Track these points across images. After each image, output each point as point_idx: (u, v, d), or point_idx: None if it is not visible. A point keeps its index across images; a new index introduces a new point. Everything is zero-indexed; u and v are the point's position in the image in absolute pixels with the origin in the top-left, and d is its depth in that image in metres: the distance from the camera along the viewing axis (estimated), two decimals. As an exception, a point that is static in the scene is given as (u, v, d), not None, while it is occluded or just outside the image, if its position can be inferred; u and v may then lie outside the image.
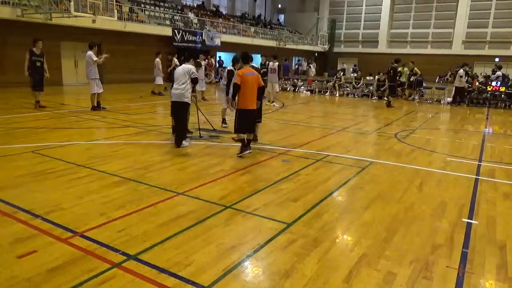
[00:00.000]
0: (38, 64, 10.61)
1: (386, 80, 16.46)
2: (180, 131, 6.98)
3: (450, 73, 17.80)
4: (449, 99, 17.17)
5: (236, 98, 6.46)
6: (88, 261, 3.05)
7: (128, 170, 5.47)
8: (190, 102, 6.97)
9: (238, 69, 7.06)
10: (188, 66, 6.93)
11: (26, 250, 3.18)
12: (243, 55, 6.70)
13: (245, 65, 6.63)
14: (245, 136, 6.56)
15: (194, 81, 6.94)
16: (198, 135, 7.88)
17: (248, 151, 6.54)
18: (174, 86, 6.85)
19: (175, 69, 9.10)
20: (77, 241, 3.38)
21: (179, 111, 6.88)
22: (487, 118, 12.93)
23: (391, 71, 15.64)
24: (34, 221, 3.74)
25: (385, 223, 4.03)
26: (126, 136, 7.85)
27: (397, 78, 15.88)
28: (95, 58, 10.61)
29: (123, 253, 3.18)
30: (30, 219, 3.78)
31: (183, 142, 6.89)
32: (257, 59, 32.29)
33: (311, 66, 28.82)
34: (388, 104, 15.14)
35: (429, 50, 34.23)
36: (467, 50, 32.54)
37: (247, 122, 6.54)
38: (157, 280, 2.83)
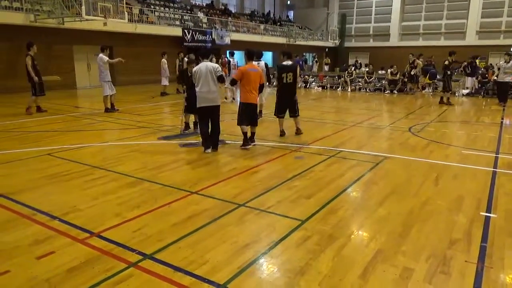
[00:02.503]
0: (37, 67, 10.50)
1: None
2: (218, 134, 6.72)
3: (464, 64, 17.38)
4: (464, 91, 16.86)
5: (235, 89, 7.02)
6: (105, 261, 3.09)
7: (142, 171, 5.53)
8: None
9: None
10: (212, 64, 6.54)
11: (44, 251, 3.24)
12: (247, 52, 6.99)
13: (249, 61, 6.93)
14: (247, 129, 6.91)
15: (221, 79, 6.52)
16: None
17: (250, 145, 6.92)
18: (202, 89, 6.39)
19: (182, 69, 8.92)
20: (94, 241, 3.43)
21: (215, 114, 6.59)
22: (503, 109, 12.65)
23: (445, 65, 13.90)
24: (52, 222, 3.81)
25: (401, 218, 3.98)
26: (139, 136, 7.92)
27: (448, 71, 13.81)
28: (106, 59, 10.68)
29: (139, 253, 3.22)
30: (48, 220, 3.85)
31: (206, 150, 6.60)
32: (267, 56, 32.24)
33: (315, 62, 28.59)
34: (446, 102, 13.74)
35: (442, 42, 33.60)
36: (481, 40, 31.86)
37: (249, 115, 6.88)
38: (173, 279, 2.85)
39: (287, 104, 7.88)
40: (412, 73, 17.43)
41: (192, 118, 8.23)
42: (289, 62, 7.83)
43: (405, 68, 18.79)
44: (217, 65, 6.64)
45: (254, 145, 7.02)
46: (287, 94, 7.82)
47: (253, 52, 7.08)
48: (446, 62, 13.70)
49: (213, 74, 6.40)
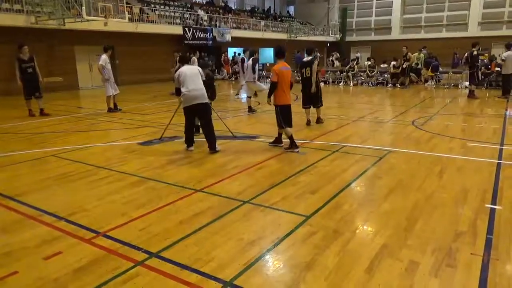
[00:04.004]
0: (30, 70, 10.12)
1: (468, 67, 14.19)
2: (212, 134, 6.47)
3: (466, 56, 17.19)
4: (467, 83, 16.75)
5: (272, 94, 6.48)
6: (111, 260, 3.11)
7: (146, 170, 5.55)
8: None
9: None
10: (197, 67, 6.54)
11: (52, 252, 3.26)
12: (278, 50, 6.59)
13: (280, 59, 6.51)
14: (289, 130, 6.53)
15: (210, 91, 6.46)
16: (231, 135, 7.49)
17: (299, 148, 6.51)
18: (189, 88, 6.21)
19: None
20: (100, 241, 3.45)
21: (205, 112, 6.42)
22: (507, 100, 12.57)
23: (469, 57, 13.53)
24: (58, 223, 3.83)
25: (406, 212, 3.98)
26: (142, 136, 7.94)
27: (477, 63, 13.53)
28: (100, 61, 10.61)
29: (145, 251, 3.24)
30: (54, 221, 3.88)
31: (189, 147, 6.60)
32: (269, 52, 32.16)
33: (332, 56, 28.40)
34: (471, 94, 13.36)
35: (444, 34, 33.36)
36: (483, 31, 31.59)
37: (289, 116, 6.55)
38: (180, 276, 2.87)
39: (309, 96, 8.50)
40: (404, 66, 17.31)
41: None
42: (309, 58, 8.43)
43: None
44: (199, 68, 6.56)
45: (282, 146, 6.74)
46: (307, 87, 8.43)
47: (283, 49, 6.61)
48: (475, 53, 13.24)
49: (199, 75, 6.37)
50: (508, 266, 2.98)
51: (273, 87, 6.38)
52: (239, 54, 28.46)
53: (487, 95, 14.33)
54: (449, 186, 4.72)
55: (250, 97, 11.23)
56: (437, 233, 3.49)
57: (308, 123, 8.73)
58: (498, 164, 5.57)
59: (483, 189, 4.60)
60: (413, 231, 3.54)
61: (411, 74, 18.22)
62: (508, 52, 12.93)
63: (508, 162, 5.69)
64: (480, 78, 14.30)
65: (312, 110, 8.87)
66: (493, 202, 4.21)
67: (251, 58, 11.00)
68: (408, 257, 3.08)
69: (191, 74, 6.32)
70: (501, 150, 6.37)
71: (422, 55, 18.57)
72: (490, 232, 3.50)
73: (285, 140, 6.80)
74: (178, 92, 6.59)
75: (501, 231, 3.52)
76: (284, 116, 6.50)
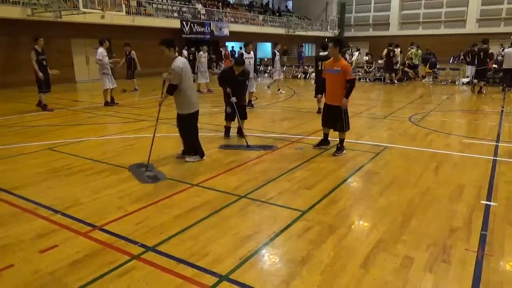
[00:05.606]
0: (44, 63, 9.95)
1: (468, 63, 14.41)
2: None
3: (462, 53, 17.29)
4: (464, 80, 16.79)
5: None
6: (108, 253, 3.12)
7: (143, 164, 5.53)
8: None
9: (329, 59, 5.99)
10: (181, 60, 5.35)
11: (48, 245, 3.26)
12: (340, 43, 5.90)
13: (340, 52, 5.85)
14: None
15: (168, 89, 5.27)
16: (246, 144, 6.53)
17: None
18: (192, 91, 5.49)
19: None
20: (96, 234, 3.45)
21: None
22: (504, 97, 12.61)
23: (481, 53, 13.41)
24: (54, 216, 3.83)
25: (401, 207, 4.00)
26: (139, 130, 7.92)
27: (487, 60, 13.71)
28: (96, 55, 10.50)
29: (142, 245, 3.24)
30: (50, 214, 3.87)
31: (192, 157, 5.71)
32: (266, 47, 32.05)
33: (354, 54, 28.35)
34: (479, 91, 13.50)
35: (442, 30, 33.38)
36: (481, 28, 31.61)
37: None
38: (176, 270, 2.88)
39: (322, 87, 8.17)
40: (394, 62, 17.42)
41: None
42: (325, 53, 8.86)
43: (405, 57, 18.73)
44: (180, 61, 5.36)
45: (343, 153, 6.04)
46: (322, 79, 7.94)
47: (343, 41, 6.09)
48: (491, 51, 13.69)
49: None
50: (502, 262, 3.01)
51: (354, 85, 5.69)
52: (240, 48, 28.55)
53: (484, 91, 14.35)
54: (445, 182, 4.74)
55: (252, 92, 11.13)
56: (432, 229, 3.52)
57: (319, 111, 9.05)
58: (494, 161, 5.60)
59: (479, 185, 4.62)
60: (408, 227, 3.56)
61: (408, 70, 18.23)
62: (510, 49, 13.10)
63: (503, 159, 5.72)
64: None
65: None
66: (488, 198, 4.24)
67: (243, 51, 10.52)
68: (403, 253, 3.10)
69: (189, 71, 5.43)
70: (496, 146, 6.40)
71: (419, 51, 18.58)
72: (484, 228, 3.53)
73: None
74: (174, 89, 5.24)
75: (495, 227, 3.55)
76: (348, 117, 5.95)
